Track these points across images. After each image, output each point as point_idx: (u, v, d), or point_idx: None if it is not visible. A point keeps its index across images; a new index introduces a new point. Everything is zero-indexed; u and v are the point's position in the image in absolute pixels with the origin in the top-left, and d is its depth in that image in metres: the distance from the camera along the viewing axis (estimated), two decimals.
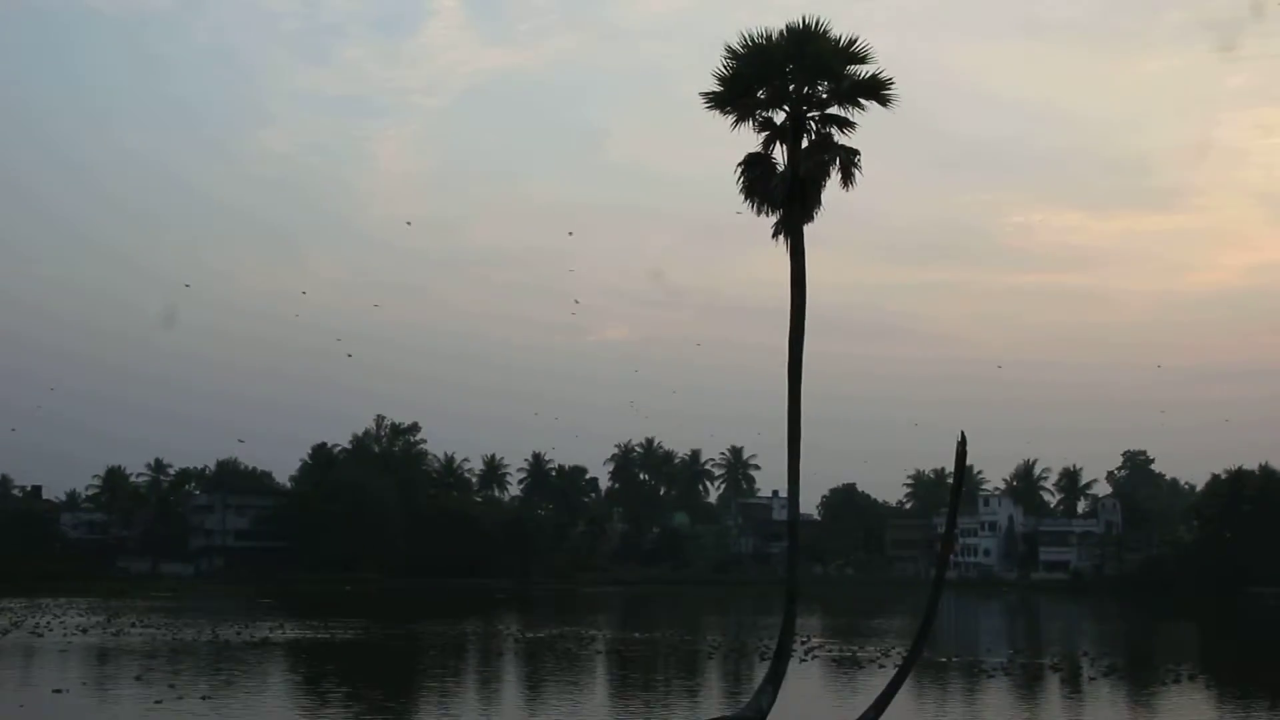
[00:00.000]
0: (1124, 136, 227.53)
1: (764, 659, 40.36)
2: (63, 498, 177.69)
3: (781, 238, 30.68)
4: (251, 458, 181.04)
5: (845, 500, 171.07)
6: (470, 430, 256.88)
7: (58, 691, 35.07)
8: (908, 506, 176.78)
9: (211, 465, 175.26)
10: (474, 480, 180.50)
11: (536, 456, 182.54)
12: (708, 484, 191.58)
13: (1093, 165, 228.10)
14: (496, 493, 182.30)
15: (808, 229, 30.71)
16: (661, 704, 35.07)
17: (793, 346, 31.08)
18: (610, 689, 39.84)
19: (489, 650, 52.63)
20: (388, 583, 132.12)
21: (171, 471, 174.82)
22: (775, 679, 30.34)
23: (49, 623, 62.88)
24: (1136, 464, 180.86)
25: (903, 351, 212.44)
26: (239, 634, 57.26)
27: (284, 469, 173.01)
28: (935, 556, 37.65)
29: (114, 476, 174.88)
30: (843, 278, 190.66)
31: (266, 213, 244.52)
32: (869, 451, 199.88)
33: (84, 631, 57.90)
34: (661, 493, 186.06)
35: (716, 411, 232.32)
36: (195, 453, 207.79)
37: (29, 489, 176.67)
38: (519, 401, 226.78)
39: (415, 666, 45.94)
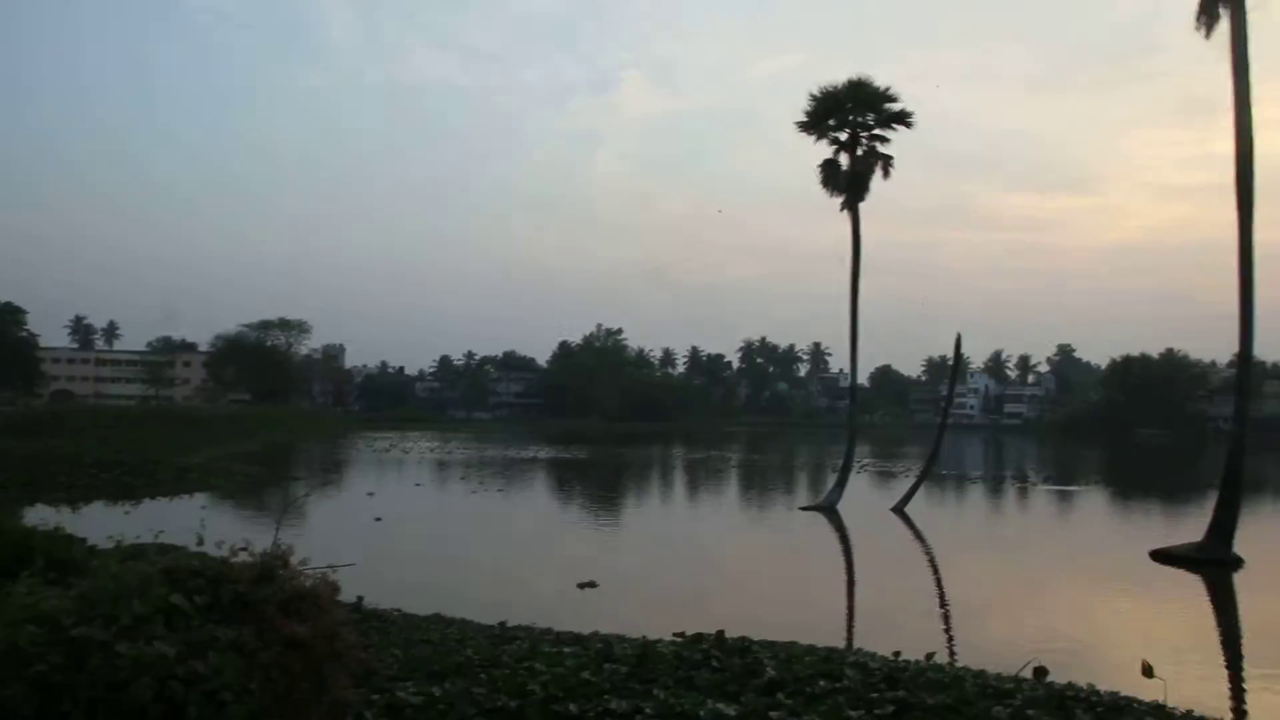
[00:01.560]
0: (1063, 149, 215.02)
1: (833, 471, 40.30)
2: (415, 373, 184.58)
3: (846, 212, 30.83)
4: (523, 348, 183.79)
5: (884, 374, 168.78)
6: (653, 332, 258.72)
7: (418, 485, 36.93)
8: (924, 379, 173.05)
9: (500, 353, 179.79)
10: (656, 363, 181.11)
11: (694, 349, 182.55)
12: (799, 364, 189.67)
13: (1039, 167, 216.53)
14: (670, 370, 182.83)
15: (861, 206, 30.77)
16: (769, 498, 35.39)
17: (853, 278, 30.97)
18: (738, 488, 40.36)
19: (666, 464, 53.49)
20: (604, 425, 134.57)
21: (477, 357, 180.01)
22: (842, 483, 30.58)
23: (410, 446, 65.79)
24: (1065, 352, 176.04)
25: (914, 282, 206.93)
26: (517, 454, 58.99)
27: (542, 355, 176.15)
28: (940, 410, 37.14)
29: (444, 360, 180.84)
30: (878, 235, 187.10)
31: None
32: (898, 344, 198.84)
33: (431, 452, 60.53)
34: (770, 370, 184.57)
35: (804, 317, 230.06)
36: (490, 345, 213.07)
37: (397, 368, 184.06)
38: (683, 309, 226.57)
39: (622, 473, 46.99)
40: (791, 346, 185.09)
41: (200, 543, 6.06)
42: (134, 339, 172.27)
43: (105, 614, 4.84)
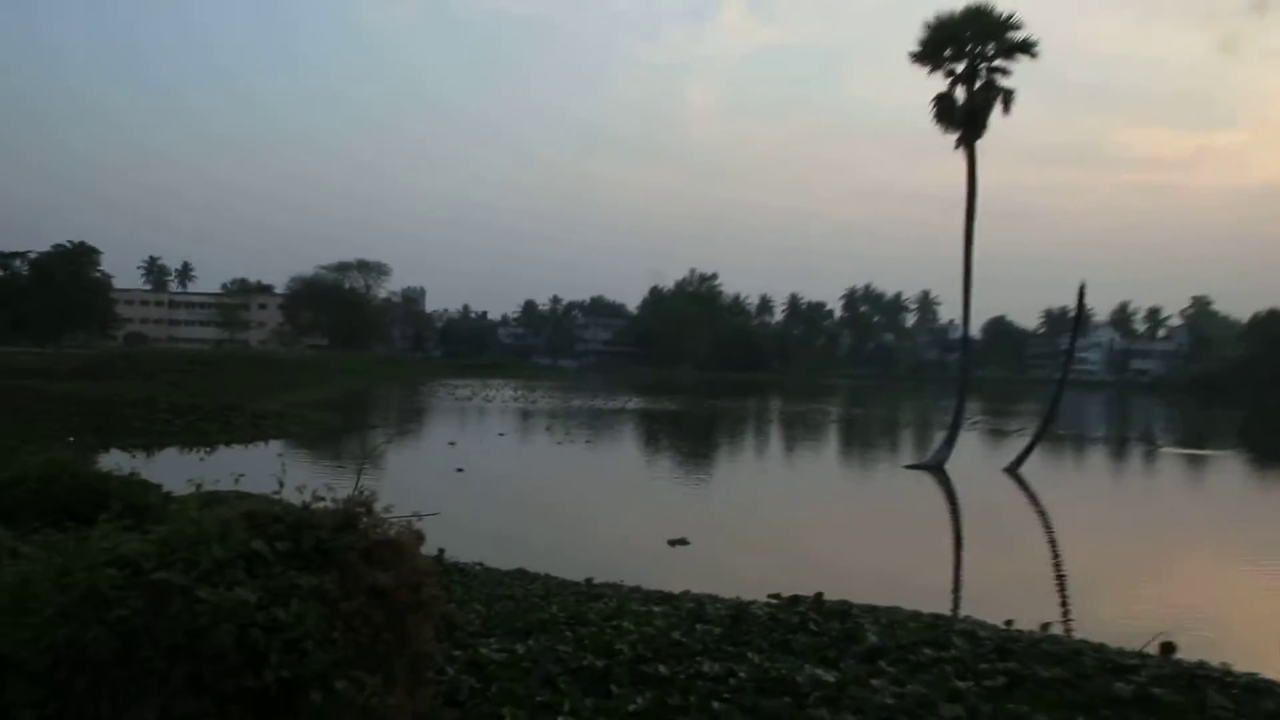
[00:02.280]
0: (1200, 82, 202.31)
1: (941, 429, 39.58)
2: (499, 318, 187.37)
3: (961, 150, 29.85)
4: (611, 293, 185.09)
5: (998, 326, 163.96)
6: (749, 278, 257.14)
7: (501, 434, 37.65)
8: (1042, 332, 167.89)
9: (588, 298, 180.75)
10: (752, 310, 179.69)
11: (793, 295, 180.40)
12: (906, 314, 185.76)
13: (1173, 102, 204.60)
14: (767, 318, 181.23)
15: (978, 144, 29.82)
16: (872, 456, 35.00)
17: (968, 221, 30.01)
18: (839, 445, 39.99)
19: (762, 418, 53.33)
20: (697, 375, 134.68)
21: (563, 302, 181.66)
22: (951, 440, 30.04)
23: (492, 395, 66.99)
24: (1200, 305, 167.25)
25: (1034, 227, 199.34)
26: (605, 404, 59.51)
27: (632, 301, 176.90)
28: (1059, 366, 35.99)
29: (529, 305, 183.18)
30: (996, 176, 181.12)
31: None
32: (1015, 293, 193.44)
33: (514, 400, 61.54)
34: (875, 319, 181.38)
35: (912, 264, 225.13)
36: (576, 289, 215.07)
37: (480, 313, 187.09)
38: (781, 257, 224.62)
39: (714, 426, 47.01)
40: (898, 295, 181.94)
41: (280, 489, 6.27)
42: (208, 280, 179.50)
43: (185, 559, 5.00)
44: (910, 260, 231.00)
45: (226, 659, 4.71)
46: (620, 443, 37.16)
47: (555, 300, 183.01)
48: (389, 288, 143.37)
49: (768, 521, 19.79)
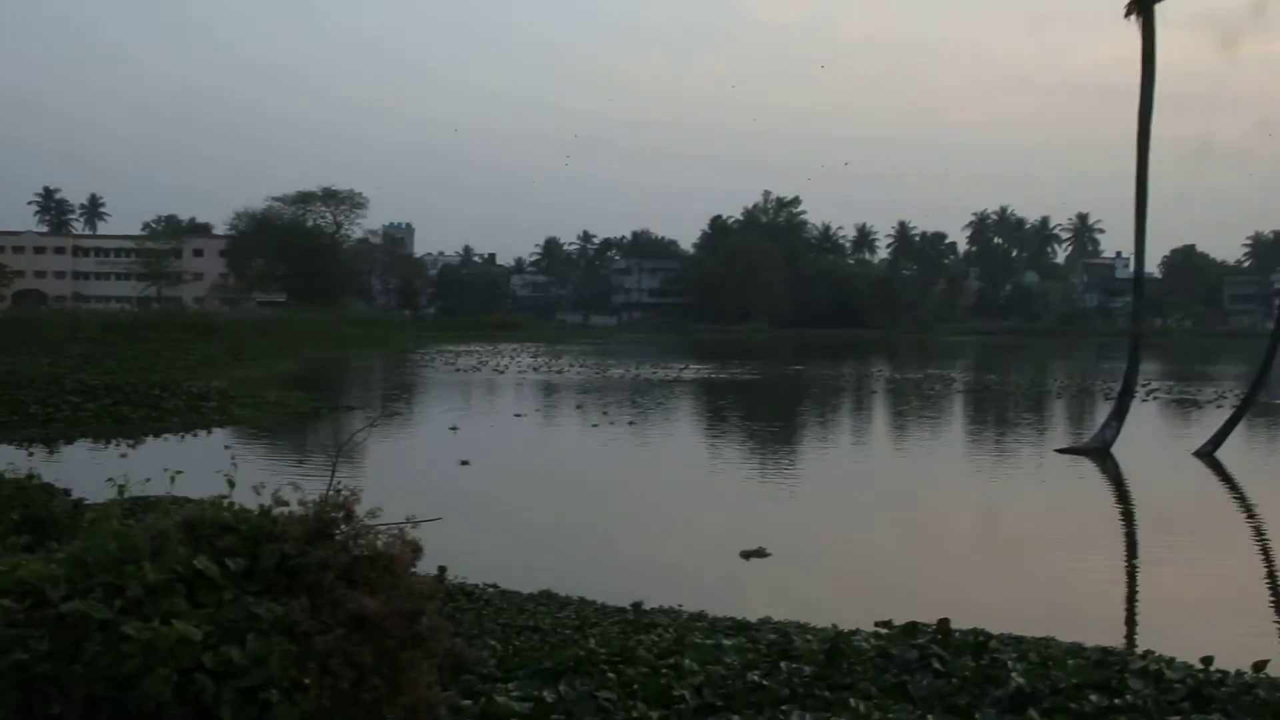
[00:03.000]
0: None
1: (1107, 399, 39.07)
2: (511, 263, 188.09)
3: (1134, 18, 29.19)
4: (658, 227, 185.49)
5: (1184, 259, 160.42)
6: (842, 203, 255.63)
7: (518, 416, 37.90)
8: (1245, 265, 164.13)
9: (628, 235, 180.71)
10: (847, 245, 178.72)
11: (902, 224, 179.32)
12: (1055, 246, 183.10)
13: None
14: (867, 256, 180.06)
15: (1157, 7, 29.10)
16: (1013, 437, 34.66)
17: (1142, 116, 29.39)
18: (967, 424, 39.68)
19: (862, 389, 53.09)
20: (774, 333, 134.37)
21: (596, 241, 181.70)
22: (1119, 415, 29.64)
23: (505, 363, 67.48)
24: None
25: (1236, 122, 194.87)
26: (654, 373, 59.62)
27: (686, 238, 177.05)
28: (1274, 310, 35.13)
29: (551, 246, 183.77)
30: (1178, 53, 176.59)
31: None
32: (1206, 213, 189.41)
33: (534, 370, 61.92)
34: (1013, 255, 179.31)
35: (1062, 180, 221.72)
36: (613, 224, 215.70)
37: (486, 256, 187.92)
38: (886, 179, 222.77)
39: (799, 401, 46.92)
40: (1044, 221, 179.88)
41: (231, 490, 6.30)
42: (125, 220, 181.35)
43: (106, 584, 5.02)
44: (1060, 175, 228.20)
45: (164, 714, 4.73)
46: (674, 425, 37.24)
47: (585, 238, 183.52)
48: (366, 225, 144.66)
49: (872, 526, 19.72)
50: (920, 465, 28.25)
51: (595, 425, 34.37)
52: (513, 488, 23.11)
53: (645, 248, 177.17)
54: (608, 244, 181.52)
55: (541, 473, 25.76)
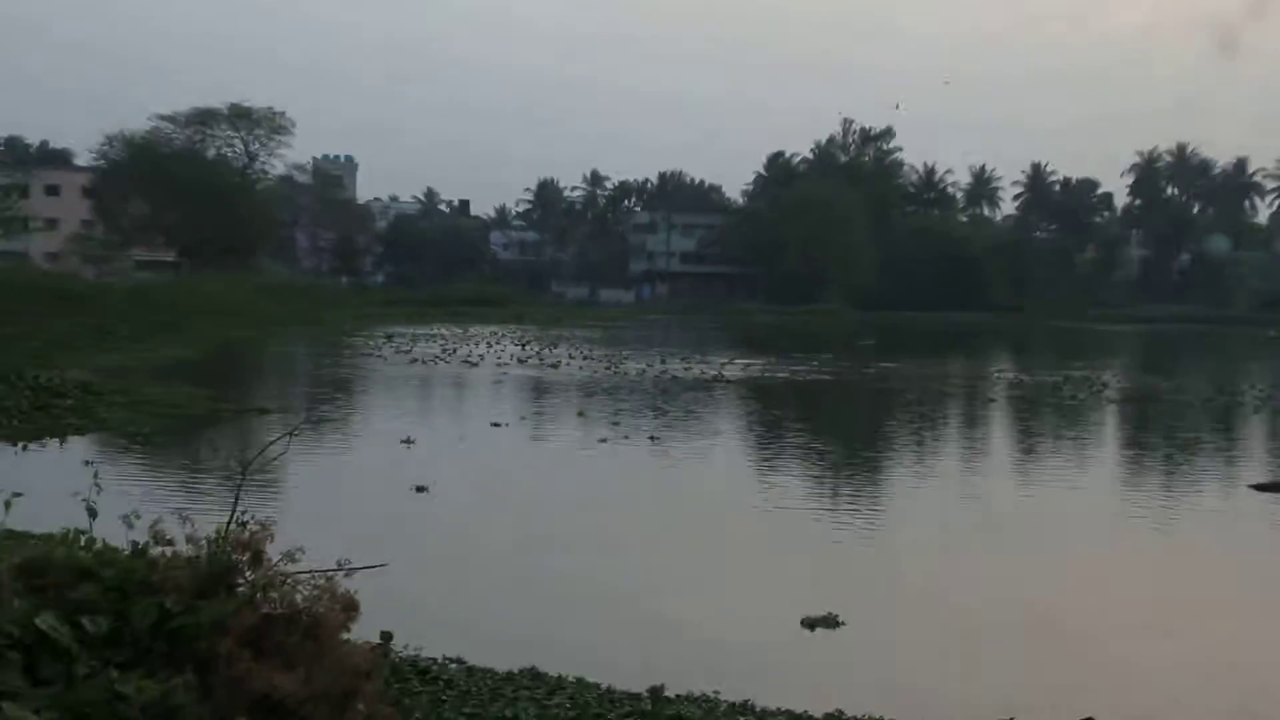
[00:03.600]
0: None
1: None
2: (491, 214, 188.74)
3: None
4: (696, 168, 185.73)
5: None
6: (952, 137, 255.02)
7: (497, 425, 37.84)
8: None
9: (653, 178, 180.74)
10: (959, 196, 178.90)
11: (1036, 168, 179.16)
12: (1255, 200, 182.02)
13: None
14: (986, 211, 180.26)
15: None
16: (1190, 468, 34.43)
17: None
18: (1123, 447, 39.45)
19: (976, 396, 52.82)
20: (853, 315, 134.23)
21: (609, 185, 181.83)
22: None
23: (479, 352, 67.48)
24: None
25: None
26: (686, 369, 59.48)
27: (735, 182, 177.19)
28: None
29: (546, 191, 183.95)
30: None
31: None
32: None
33: (520, 362, 61.94)
34: (1195, 211, 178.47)
35: (1274, 106, 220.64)
36: (633, 162, 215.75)
37: (456, 204, 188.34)
38: (1012, 105, 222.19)
39: (887, 413, 46.72)
40: (1240, 165, 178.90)
41: (92, 521, 6.27)
42: None
43: None
44: (1268, 101, 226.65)
45: None
46: (713, 442, 37.17)
47: (594, 181, 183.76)
48: (291, 159, 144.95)
49: (991, 586, 19.63)
50: (1055, 505, 28.11)
51: (603, 440, 34.34)
52: (487, 524, 23.07)
53: (677, 196, 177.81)
54: (625, 190, 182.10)
55: (527, 504, 25.70)
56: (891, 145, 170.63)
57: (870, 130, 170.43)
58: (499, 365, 59.70)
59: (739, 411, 45.74)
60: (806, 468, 32.94)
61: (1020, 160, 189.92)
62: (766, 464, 33.56)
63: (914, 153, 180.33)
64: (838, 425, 42.96)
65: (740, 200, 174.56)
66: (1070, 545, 23.79)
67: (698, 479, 30.32)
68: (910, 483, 30.82)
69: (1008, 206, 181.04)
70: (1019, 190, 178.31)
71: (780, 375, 59.16)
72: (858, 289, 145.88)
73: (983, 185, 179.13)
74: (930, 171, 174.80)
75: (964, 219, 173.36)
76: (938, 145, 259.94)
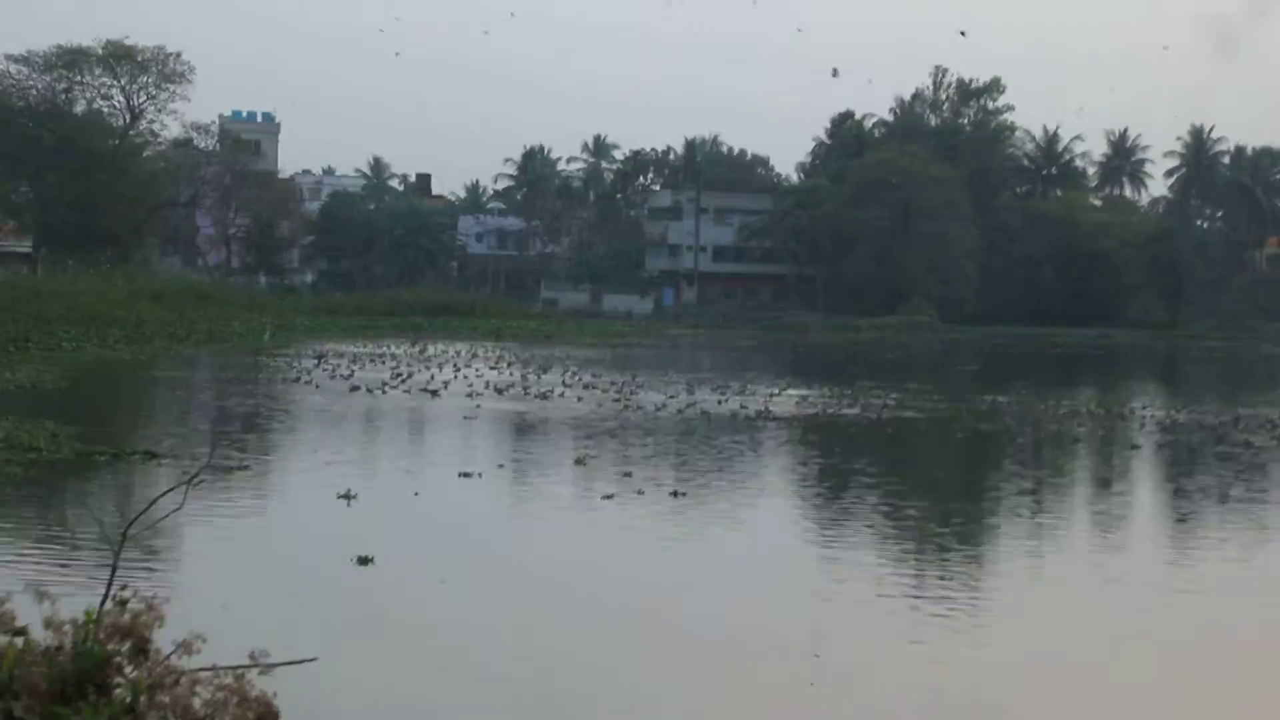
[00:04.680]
0: None
1: None
2: (460, 194, 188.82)
3: None
4: (736, 134, 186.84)
5: None
6: (1080, 93, 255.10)
7: (466, 476, 37.84)
8: None
9: (678, 147, 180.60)
10: (1090, 171, 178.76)
11: (1197, 134, 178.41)
12: None
13: None
14: (1128, 192, 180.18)
15: None
16: None
17: None
18: None
19: (1115, 441, 52.77)
20: (948, 331, 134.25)
21: (618, 155, 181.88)
22: None
23: (446, 378, 67.66)
24: None
25: None
26: (722, 402, 59.49)
27: (787, 153, 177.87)
28: None
29: (533, 162, 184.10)
30: None
31: None
32: None
33: (498, 391, 62.00)
34: None
35: None
36: (651, 126, 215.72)
37: (412, 179, 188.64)
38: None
39: (996, 465, 46.57)
40: None
41: None
42: None
43: None
44: None
45: None
46: (758, 500, 37.20)
47: (597, 150, 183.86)
48: (188, 117, 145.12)
49: (1134, 694, 19.59)
50: (1230, 595, 28.00)
51: (609, 496, 34.26)
52: (448, 608, 23.04)
53: (710, 171, 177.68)
54: (640, 162, 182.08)
55: (502, 582, 25.66)
56: (999, 103, 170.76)
57: (971, 82, 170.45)
58: (470, 395, 59.63)
59: (792, 460, 45.69)
60: (883, 538, 32.84)
61: (1175, 124, 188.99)
62: (828, 532, 33.41)
63: (1027, 113, 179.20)
64: (926, 480, 42.74)
65: (795, 177, 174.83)
66: (1247, 643, 23.68)
67: (736, 550, 30.23)
68: (1025, 560, 30.71)
69: (1158, 186, 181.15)
70: (1173, 164, 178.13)
71: (848, 412, 58.95)
72: (954, 297, 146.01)
73: (1124, 158, 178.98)
74: (1052, 139, 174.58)
75: (1097, 203, 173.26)
76: (1062, 104, 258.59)
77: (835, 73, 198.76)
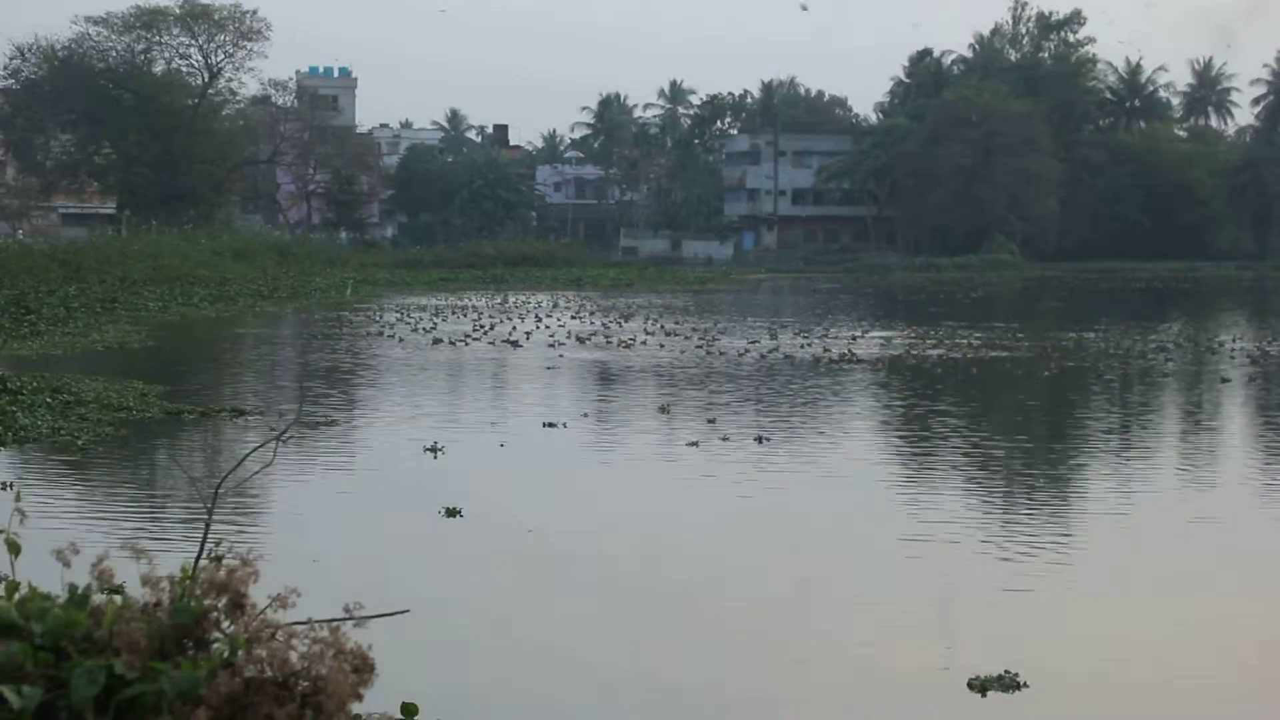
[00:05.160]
0: None
1: None
2: (537, 144, 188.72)
3: None
4: (814, 76, 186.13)
5: None
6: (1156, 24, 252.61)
7: (550, 426, 37.92)
8: None
9: (754, 90, 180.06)
10: (1173, 103, 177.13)
11: None
12: None
13: None
14: (1214, 122, 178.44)
15: None
16: None
17: None
18: None
19: (1204, 377, 52.56)
20: (1032, 268, 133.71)
21: (695, 101, 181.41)
22: None
23: (528, 329, 68.03)
24: None
25: None
26: (805, 346, 59.59)
27: (866, 94, 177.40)
28: None
29: (610, 111, 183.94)
30: None
31: None
32: None
33: (579, 341, 62.28)
34: None
35: None
36: (729, 72, 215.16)
37: (489, 131, 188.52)
38: None
39: (1083, 403, 46.29)
40: None
41: (14, 556, 6.31)
42: None
43: None
44: None
45: None
46: (842, 443, 37.02)
47: (673, 96, 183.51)
48: (265, 74, 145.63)
49: (1224, 634, 19.50)
50: None
51: (693, 444, 34.25)
52: (542, 557, 23.11)
53: (788, 114, 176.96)
54: (717, 107, 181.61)
55: (594, 531, 25.73)
56: (1079, 35, 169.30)
57: (1051, 15, 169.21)
58: (552, 346, 59.73)
59: (877, 403, 45.68)
60: (969, 481, 32.72)
61: (1262, 50, 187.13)
62: (914, 476, 33.30)
63: (1109, 46, 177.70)
64: (1012, 421, 42.48)
65: (874, 117, 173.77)
66: None
67: (822, 496, 30.17)
68: (1113, 501, 30.54)
69: (1244, 115, 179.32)
70: (1260, 92, 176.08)
71: (932, 353, 58.79)
72: (1037, 233, 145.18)
73: (1209, 87, 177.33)
74: (1135, 70, 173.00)
75: (1182, 134, 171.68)
76: (1146, 35, 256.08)
77: (804, 7, 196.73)
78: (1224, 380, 50.10)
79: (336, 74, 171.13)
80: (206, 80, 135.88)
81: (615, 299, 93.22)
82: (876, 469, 34.03)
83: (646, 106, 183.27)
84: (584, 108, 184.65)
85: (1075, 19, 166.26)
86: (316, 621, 5.89)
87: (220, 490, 9.47)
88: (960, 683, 15.96)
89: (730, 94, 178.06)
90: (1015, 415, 43.73)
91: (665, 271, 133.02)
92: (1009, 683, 15.99)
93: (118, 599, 5.73)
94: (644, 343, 61.17)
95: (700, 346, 59.32)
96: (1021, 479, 32.38)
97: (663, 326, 68.98)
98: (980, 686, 15.93)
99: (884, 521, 27.45)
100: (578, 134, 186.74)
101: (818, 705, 15.96)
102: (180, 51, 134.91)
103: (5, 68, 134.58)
